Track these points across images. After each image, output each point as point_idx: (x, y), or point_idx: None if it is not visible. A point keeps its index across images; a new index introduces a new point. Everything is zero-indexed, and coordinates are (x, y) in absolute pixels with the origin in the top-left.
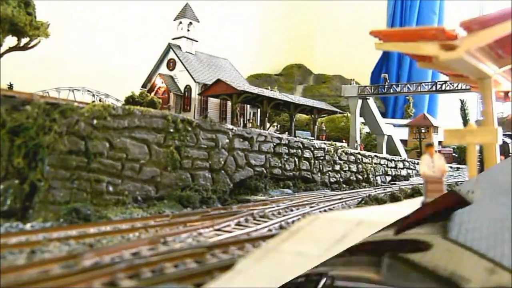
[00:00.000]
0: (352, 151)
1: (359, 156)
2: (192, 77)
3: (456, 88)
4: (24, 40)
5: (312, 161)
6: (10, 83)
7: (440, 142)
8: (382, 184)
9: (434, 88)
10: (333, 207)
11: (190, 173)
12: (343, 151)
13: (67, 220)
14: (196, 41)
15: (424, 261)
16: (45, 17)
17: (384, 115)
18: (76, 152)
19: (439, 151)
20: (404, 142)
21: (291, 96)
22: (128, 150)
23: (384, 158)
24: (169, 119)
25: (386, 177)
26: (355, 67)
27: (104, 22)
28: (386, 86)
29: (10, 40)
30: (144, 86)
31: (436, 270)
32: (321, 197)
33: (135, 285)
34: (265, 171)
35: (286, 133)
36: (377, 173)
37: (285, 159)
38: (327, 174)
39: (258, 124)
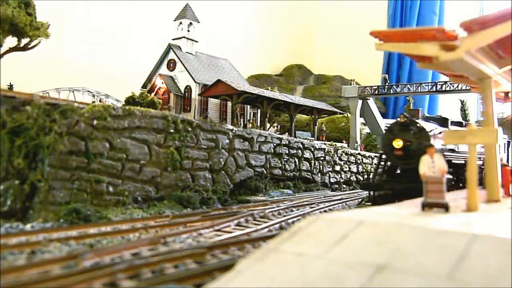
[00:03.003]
0: (352, 151)
1: (359, 157)
2: (192, 78)
3: (456, 89)
4: (24, 41)
5: (312, 161)
6: (10, 83)
7: None
8: None
9: (434, 89)
10: (333, 208)
11: (190, 173)
12: (343, 151)
13: (67, 220)
14: (196, 41)
15: None
16: (45, 18)
17: (384, 115)
18: (76, 153)
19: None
20: None
21: (291, 96)
22: (128, 151)
23: None
24: (169, 120)
25: None
26: (355, 67)
27: (104, 22)
28: (386, 87)
29: (11, 41)
30: (144, 86)
31: None
32: (321, 198)
33: (135, 285)
34: (265, 172)
35: (286, 133)
36: None
37: (285, 159)
38: (327, 174)
39: (258, 124)
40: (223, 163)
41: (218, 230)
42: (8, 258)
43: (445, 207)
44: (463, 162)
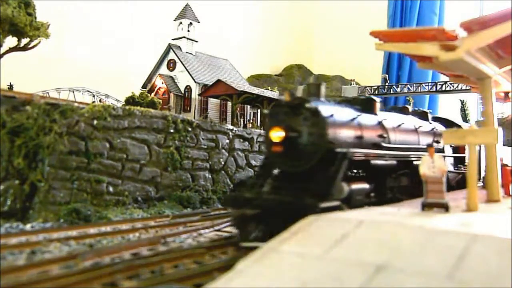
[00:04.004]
0: None
1: None
2: (192, 78)
3: (456, 89)
4: (24, 41)
5: None
6: (10, 83)
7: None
8: None
9: (434, 89)
10: None
11: (190, 173)
12: None
13: (67, 220)
14: (196, 41)
15: None
16: (45, 17)
17: None
18: (76, 153)
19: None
20: None
21: None
22: (128, 151)
23: None
24: (169, 120)
25: None
26: (355, 67)
27: (104, 22)
28: (386, 87)
29: (11, 41)
30: (144, 86)
31: None
32: None
33: (135, 285)
34: None
35: None
36: None
37: None
38: None
39: (258, 124)
40: (223, 163)
41: (218, 230)
42: (8, 258)
43: (445, 207)
44: (393, 163)
